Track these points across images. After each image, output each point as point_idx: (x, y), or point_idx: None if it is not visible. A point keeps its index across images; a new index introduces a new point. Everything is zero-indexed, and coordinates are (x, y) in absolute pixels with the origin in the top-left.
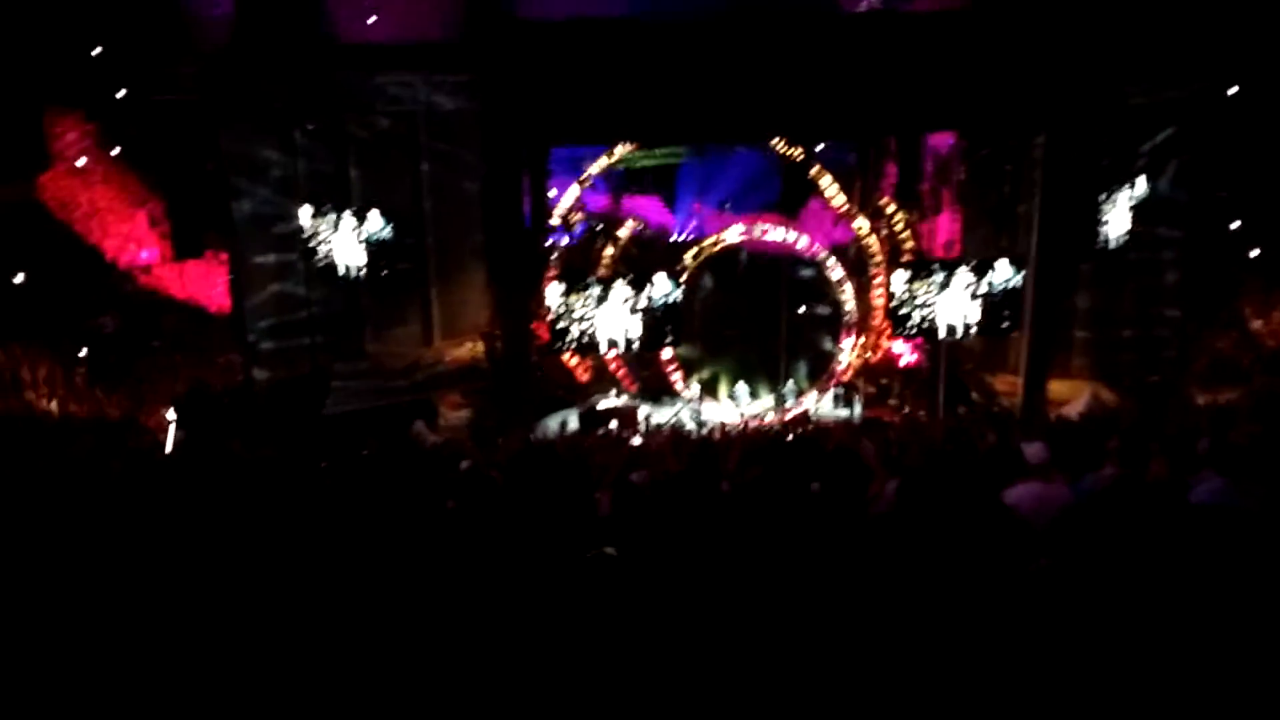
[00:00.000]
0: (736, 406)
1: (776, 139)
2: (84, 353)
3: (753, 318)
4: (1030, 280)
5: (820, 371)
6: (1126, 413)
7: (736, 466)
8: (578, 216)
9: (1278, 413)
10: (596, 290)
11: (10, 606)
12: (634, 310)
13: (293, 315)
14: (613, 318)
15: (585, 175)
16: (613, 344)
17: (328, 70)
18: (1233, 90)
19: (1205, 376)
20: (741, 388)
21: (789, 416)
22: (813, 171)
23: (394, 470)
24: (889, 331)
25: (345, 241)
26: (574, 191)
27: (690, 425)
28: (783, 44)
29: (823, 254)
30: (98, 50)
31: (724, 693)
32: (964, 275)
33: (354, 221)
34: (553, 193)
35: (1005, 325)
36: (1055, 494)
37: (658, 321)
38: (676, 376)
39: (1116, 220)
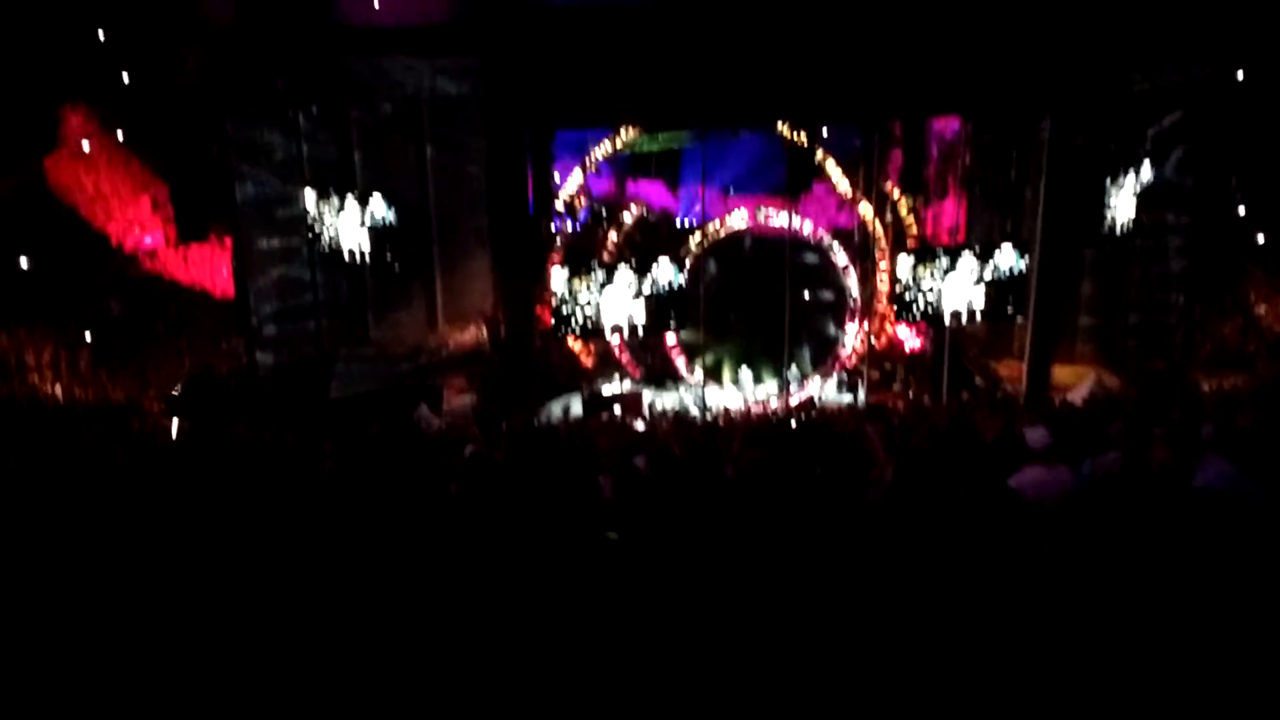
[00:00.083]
0: (740, 392)
1: (781, 123)
2: (88, 337)
3: (757, 303)
4: (1035, 266)
5: (824, 357)
6: (1130, 398)
7: (739, 451)
8: (582, 201)
9: None
10: (600, 275)
11: (15, 590)
12: (638, 295)
13: (296, 300)
14: (617, 303)
15: (589, 160)
16: (616, 329)
17: (332, 54)
18: (1239, 76)
19: (1209, 362)
20: (745, 373)
21: (793, 402)
22: (818, 156)
23: (398, 454)
24: (893, 317)
25: (349, 226)
26: (578, 176)
27: (694, 410)
28: (788, 27)
29: (827, 239)
30: (102, 35)
31: (725, 674)
32: (968, 260)
33: (357, 206)
34: (557, 177)
35: (1009, 311)
36: (1058, 478)
37: (661, 306)
38: (680, 362)
39: (1121, 206)
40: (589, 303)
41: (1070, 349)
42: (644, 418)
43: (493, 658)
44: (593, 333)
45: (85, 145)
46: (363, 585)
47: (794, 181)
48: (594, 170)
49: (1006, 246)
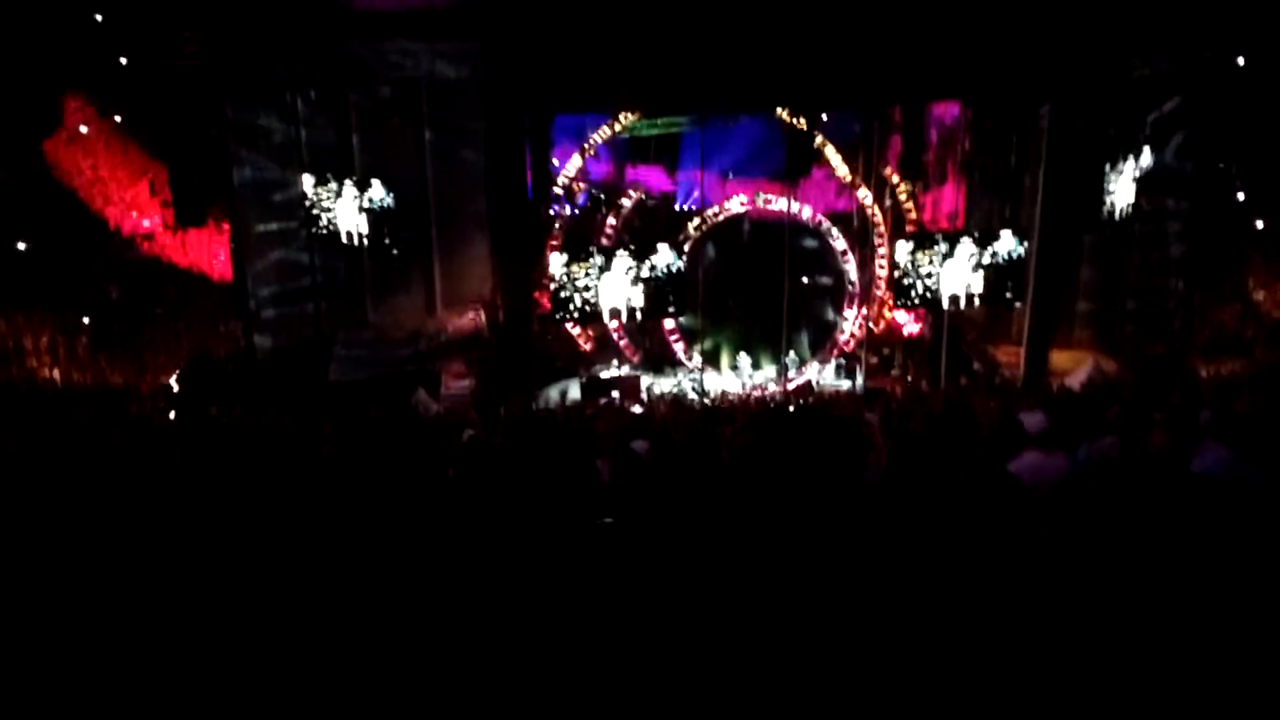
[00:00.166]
0: (739, 377)
1: (781, 108)
2: (86, 321)
3: (755, 288)
4: (1033, 251)
5: (823, 342)
6: (1128, 384)
7: (733, 436)
8: (580, 186)
9: None
10: (599, 260)
11: (13, 574)
12: (636, 280)
13: (295, 283)
14: (615, 287)
15: (588, 144)
16: (615, 314)
17: (331, 38)
18: (1239, 61)
19: (1207, 348)
20: (744, 358)
21: (791, 386)
22: (817, 141)
23: (396, 438)
24: (892, 302)
25: (347, 210)
26: (577, 160)
27: (692, 395)
28: (788, 12)
29: (826, 224)
30: (101, 18)
31: (721, 658)
32: (967, 246)
33: (355, 190)
34: (555, 162)
35: (1008, 296)
36: (1055, 463)
37: (660, 291)
38: (679, 347)
39: (1121, 192)
40: (587, 287)
41: (1069, 334)
42: (642, 403)
43: (490, 641)
44: (591, 317)
45: (84, 129)
46: (361, 569)
47: (793, 166)
48: (593, 154)
49: (1005, 232)
